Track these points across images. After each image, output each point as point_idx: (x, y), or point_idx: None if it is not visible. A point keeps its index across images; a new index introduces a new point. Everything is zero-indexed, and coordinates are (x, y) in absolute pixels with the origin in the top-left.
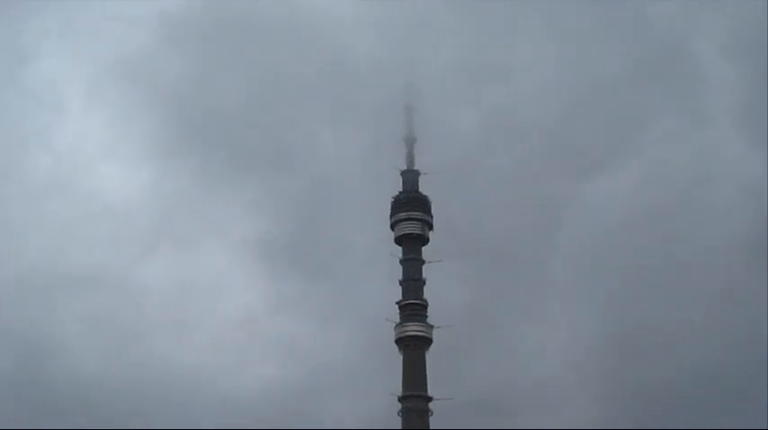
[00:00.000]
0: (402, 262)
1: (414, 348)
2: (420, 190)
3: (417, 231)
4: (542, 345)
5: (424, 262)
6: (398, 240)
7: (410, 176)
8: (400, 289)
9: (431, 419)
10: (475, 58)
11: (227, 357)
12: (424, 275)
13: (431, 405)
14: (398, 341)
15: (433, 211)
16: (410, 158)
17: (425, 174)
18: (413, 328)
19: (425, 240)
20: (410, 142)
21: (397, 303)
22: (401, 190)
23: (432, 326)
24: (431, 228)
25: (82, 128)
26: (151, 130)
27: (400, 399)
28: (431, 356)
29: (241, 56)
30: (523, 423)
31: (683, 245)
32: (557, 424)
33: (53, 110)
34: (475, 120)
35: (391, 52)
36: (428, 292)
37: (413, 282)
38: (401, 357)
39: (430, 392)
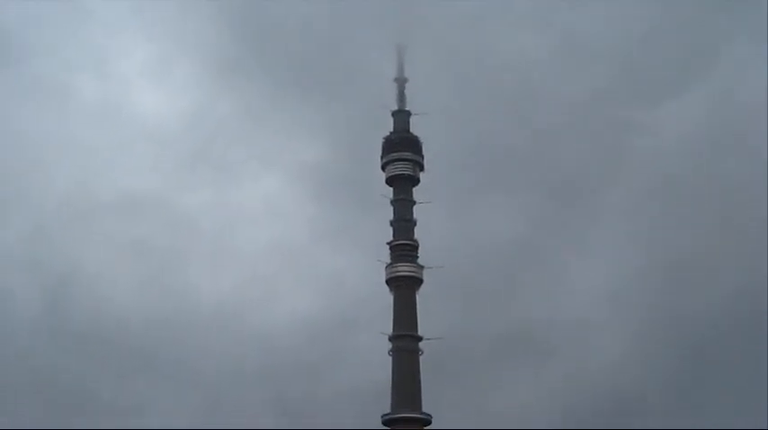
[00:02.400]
0: (393, 202)
1: (404, 288)
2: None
3: (408, 172)
4: (581, 278)
5: (414, 202)
6: (389, 181)
7: (401, 117)
8: (391, 229)
9: (420, 358)
10: None
11: (263, 288)
12: (414, 216)
13: (420, 344)
14: (389, 281)
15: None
16: (401, 99)
17: (416, 114)
18: (404, 269)
19: (416, 181)
20: (401, 82)
21: (387, 244)
22: (392, 130)
23: (422, 267)
24: (422, 168)
25: (131, 48)
26: (202, 53)
27: (391, 339)
28: (422, 296)
29: None
30: (552, 360)
31: (744, 173)
32: (590, 360)
33: (103, 29)
34: (545, 46)
35: None
36: (419, 233)
37: (404, 222)
38: (392, 297)
39: (421, 332)
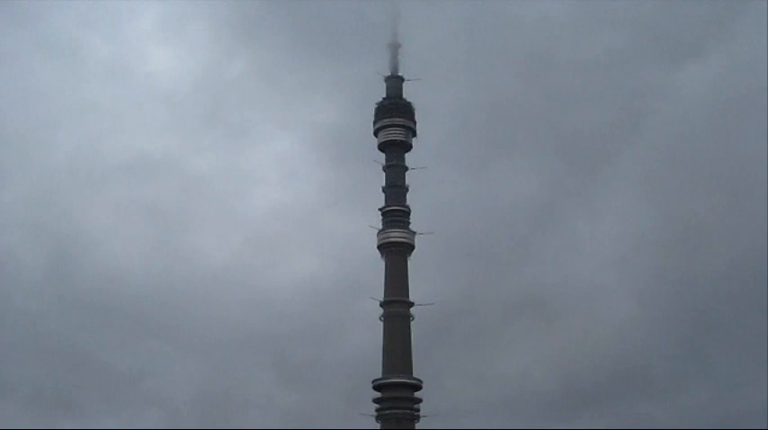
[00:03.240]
0: (385, 168)
1: (396, 254)
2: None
3: (401, 138)
4: (590, 242)
5: (407, 168)
6: (382, 147)
7: (394, 83)
8: (383, 195)
9: (414, 324)
10: None
11: (268, 252)
12: (406, 182)
13: (415, 310)
14: (381, 247)
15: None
16: (394, 64)
17: (410, 80)
18: (395, 235)
19: (408, 147)
20: (394, 48)
21: (379, 209)
22: (384, 96)
23: (414, 233)
24: (414, 134)
25: (144, 7)
26: (215, 13)
27: (382, 304)
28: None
29: None
30: (555, 325)
31: (759, 140)
32: (595, 326)
33: None
34: (563, 8)
35: None
36: (410, 199)
37: (396, 188)
38: (383, 263)
39: (413, 298)
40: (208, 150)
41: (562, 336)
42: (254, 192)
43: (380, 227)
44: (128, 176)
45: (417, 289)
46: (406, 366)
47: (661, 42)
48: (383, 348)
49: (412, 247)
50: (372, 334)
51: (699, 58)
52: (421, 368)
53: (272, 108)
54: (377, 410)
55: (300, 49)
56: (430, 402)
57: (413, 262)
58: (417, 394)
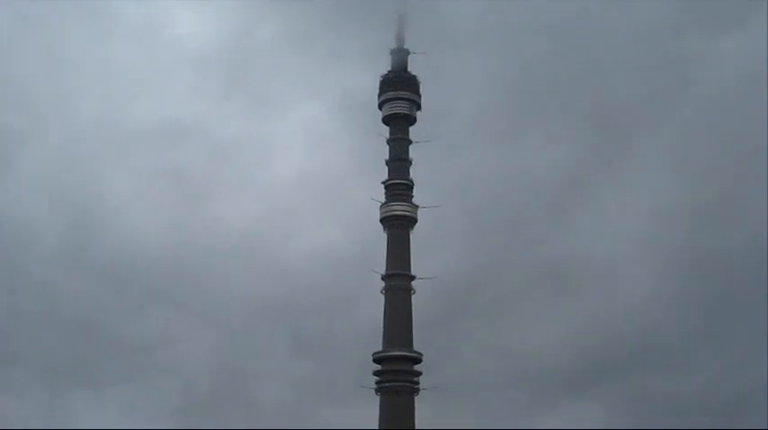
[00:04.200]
0: (389, 142)
1: (398, 228)
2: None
3: (405, 111)
4: (613, 213)
5: (411, 142)
6: (386, 120)
7: (399, 55)
8: (387, 169)
9: (414, 298)
10: None
11: (286, 222)
12: (410, 155)
13: (413, 283)
14: (384, 220)
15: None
16: (400, 37)
17: (415, 53)
18: (398, 208)
19: (413, 120)
20: (401, 20)
21: (383, 183)
22: (389, 69)
23: (417, 206)
24: (419, 108)
25: None
26: None
27: (384, 278)
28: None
29: None
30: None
31: None
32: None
33: None
34: None
35: None
36: (414, 172)
37: (399, 161)
38: (386, 236)
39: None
40: (234, 117)
41: (579, 310)
42: (276, 160)
43: (383, 200)
44: (152, 143)
45: (421, 263)
46: (407, 339)
47: (701, 11)
48: (384, 321)
49: (414, 221)
50: (380, 307)
51: (739, 28)
52: (425, 341)
53: (300, 75)
54: (377, 383)
55: (328, 16)
56: (433, 376)
57: (418, 236)
58: (418, 367)
